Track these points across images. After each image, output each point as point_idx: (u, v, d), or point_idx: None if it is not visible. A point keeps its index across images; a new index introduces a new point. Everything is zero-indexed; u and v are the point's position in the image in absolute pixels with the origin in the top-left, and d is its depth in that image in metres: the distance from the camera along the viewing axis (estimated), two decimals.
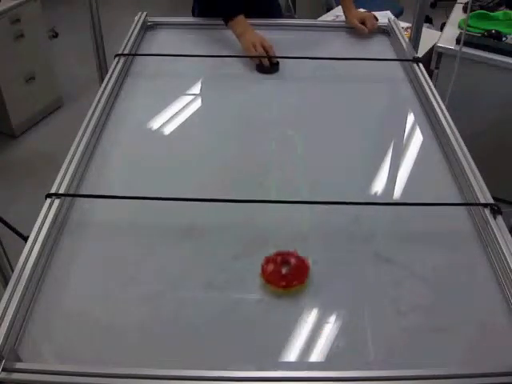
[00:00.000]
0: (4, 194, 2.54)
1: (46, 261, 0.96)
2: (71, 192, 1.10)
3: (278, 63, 1.59)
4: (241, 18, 1.63)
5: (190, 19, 1.86)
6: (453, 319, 0.89)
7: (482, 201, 1.06)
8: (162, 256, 1.00)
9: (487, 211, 1.04)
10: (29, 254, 0.93)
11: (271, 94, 1.51)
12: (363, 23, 1.77)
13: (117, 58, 1.55)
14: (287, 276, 0.91)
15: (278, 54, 1.59)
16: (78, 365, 0.78)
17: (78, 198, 1.11)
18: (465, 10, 2.42)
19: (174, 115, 1.40)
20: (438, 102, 1.36)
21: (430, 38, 2.32)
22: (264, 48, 1.58)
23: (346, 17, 1.84)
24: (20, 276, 0.89)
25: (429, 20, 3.68)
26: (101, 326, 0.88)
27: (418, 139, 1.32)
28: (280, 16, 2.09)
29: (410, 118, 1.41)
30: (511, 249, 0.95)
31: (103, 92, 1.39)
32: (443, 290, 0.94)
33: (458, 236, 1.06)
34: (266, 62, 1.57)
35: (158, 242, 1.03)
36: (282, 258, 0.93)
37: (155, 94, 1.50)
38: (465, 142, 1.22)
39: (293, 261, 0.93)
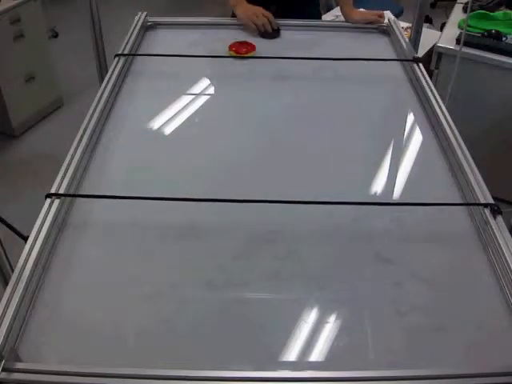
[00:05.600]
0: (4, 193, 2.54)
1: (45, 261, 0.96)
2: (71, 192, 1.10)
3: (279, 29, 1.75)
4: None
5: (190, 19, 1.86)
6: (453, 319, 0.89)
7: (482, 201, 1.06)
8: (161, 256, 1.00)
9: (487, 211, 1.03)
10: (29, 254, 0.93)
11: (271, 94, 1.50)
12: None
13: (117, 58, 1.55)
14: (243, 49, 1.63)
15: (278, 54, 1.59)
16: (78, 365, 0.78)
17: (78, 198, 1.11)
18: (465, 10, 2.42)
19: (174, 115, 1.40)
20: (438, 102, 1.36)
21: (430, 37, 2.32)
22: (264, 15, 1.73)
23: (346, 18, 1.84)
24: (20, 276, 0.88)
25: (429, 20, 3.68)
26: (101, 325, 0.88)
27: (418, 139, 1.32)
28: (317, 14, 2.07)
29: (410, 118, 1.41)
30: (511, 249, 0.95)
31: (103, 92, 1.39)
32: (443, 290, 0.94)
33: (458, 236, 1.06)
34: (269, 28, 1.72)
35: (158, 241, 1.03)
36: (240, 43, 1.65)
37: (155, 94, 1.50)
38: (465, 142, 1.22)
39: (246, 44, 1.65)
